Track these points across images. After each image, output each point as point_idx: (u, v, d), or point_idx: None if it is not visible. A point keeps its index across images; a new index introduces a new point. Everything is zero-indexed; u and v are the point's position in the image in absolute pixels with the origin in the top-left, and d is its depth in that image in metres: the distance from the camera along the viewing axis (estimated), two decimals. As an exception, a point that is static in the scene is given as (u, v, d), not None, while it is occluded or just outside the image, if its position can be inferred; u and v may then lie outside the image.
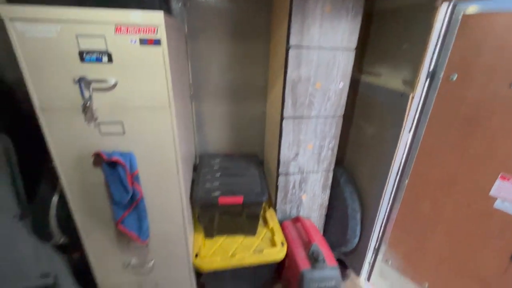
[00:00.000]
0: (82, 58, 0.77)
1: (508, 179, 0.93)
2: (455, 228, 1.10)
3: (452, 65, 0.97)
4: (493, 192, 0.97)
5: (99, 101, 0.83)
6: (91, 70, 0.79)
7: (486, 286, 1.07)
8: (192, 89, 1.50)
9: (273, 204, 1.53)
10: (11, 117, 1.13)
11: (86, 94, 0.80)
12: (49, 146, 0.86)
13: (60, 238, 1.06)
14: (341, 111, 1.30)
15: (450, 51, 0.96)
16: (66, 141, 0.86)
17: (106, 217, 1.00)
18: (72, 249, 1.19)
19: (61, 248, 1.14)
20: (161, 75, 0.84)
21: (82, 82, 0.78)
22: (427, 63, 0.99)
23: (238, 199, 1.20)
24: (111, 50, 0.78)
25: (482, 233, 1.03)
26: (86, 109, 0.81)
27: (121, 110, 0.86)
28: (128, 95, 0.84)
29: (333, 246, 1.56)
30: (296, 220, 1.44)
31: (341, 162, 1.63)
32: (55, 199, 1.02)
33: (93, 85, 0.80)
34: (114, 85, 0.82)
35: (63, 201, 1.01)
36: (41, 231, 1.05)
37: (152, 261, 1.14)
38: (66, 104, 0.81)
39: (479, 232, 1.04)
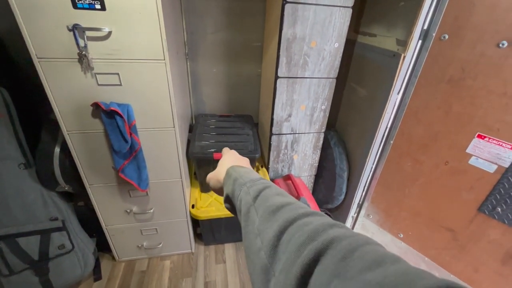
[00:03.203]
0: (74, 4, 0.76)
1: (484, 138, 1.00)
2: (431, 184, 1.19)
3: (445, 24, 0.98)
4: (469, 149, 1.04)
5: (95, 51, 0.84)
6: (84, 18, 0.79)
7: (453, 235, 1.19)
8: (187, 48, 1.48)
9: (265, 164, 1.61)
10: (6, 69, 1.14)
11: (81, 42, 0.81)
12: (48, 95, 0.88)
13: (65, 186, 1.14)
14: (334, 73, 1.31)
15: (444, 8, 0.96)
16: (64, 90, 0.88)
17: (108, 167, 1.07)
18: (77, 199, 1.28)
19: (66, 197, 1.22)
20: (155, 26, 0.84)
21: (76, 29, 0.78)
22: (421, 21, 0.99)
23: (232, 155, 1.27)
24: (103, -4, 0.77)
25: (455, 188, 1.13)
26: (82, 58, 0.82)
27: (117, 61, 0.87)
28: (123, 46, 0.85)
29: (320, 203, 1.68)
30: (287, 178, 1.53)
31: (333, 126, 1.68)
32: (57, 149, 1.07)
33: (88, 34, 0.81)
34: (109, 34, 0.82)
35: (65, 151, 1.06)
36: (46, 180, 1.11)
37: (152, 210, 1.24)
38: (62, 53, 0.82)
39: (452, 187, 1.13)
